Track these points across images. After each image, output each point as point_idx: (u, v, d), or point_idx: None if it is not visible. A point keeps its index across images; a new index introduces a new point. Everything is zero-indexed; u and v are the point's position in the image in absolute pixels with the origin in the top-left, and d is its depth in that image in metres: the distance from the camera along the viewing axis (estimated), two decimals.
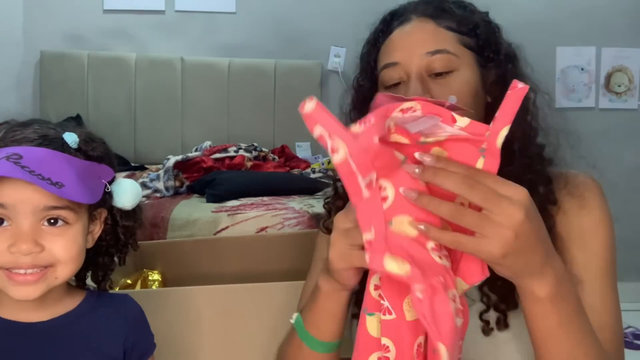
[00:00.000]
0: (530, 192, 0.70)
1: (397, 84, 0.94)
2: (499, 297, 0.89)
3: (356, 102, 1.02)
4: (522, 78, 0.91)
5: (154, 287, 1.65)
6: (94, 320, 0.89)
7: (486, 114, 0.94)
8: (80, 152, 0.84)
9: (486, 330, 0.90)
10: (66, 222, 0.82)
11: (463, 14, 0.96)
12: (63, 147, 0.82)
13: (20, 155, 0.77)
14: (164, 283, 1.71)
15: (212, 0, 3.25)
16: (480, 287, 0.90)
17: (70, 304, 0.89)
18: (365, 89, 1.00)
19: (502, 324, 0.89)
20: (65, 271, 0.83)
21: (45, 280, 0.81)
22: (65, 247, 0.82)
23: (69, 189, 0.77)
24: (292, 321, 0.90)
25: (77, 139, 0.84)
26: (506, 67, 0.94)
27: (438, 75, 0.92)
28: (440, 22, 0.94)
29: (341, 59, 3.26)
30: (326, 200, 1.09)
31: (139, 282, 1.64)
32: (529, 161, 0.92)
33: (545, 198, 0.90)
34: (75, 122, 3.02)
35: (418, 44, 0.93)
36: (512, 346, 0.89)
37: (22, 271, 0.79)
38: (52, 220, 0.81)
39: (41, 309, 0.85)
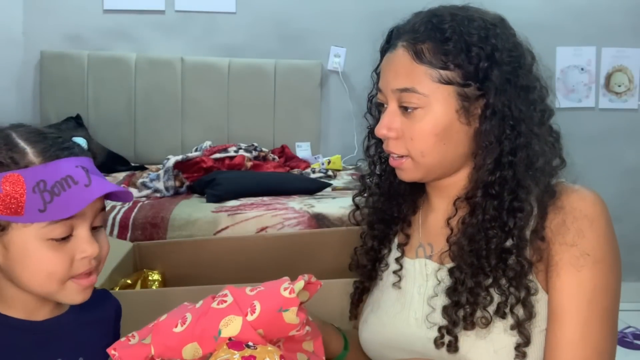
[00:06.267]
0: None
1: (382, 104, 0.99)
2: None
3: (370, 108, 1.07)
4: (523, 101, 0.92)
5: (154, 287, 1.65)
6: (86, 314, 0.91)
7: (473, 141, 0.94)
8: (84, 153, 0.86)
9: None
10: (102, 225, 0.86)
11: (447, 46, 0.91)
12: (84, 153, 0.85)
13: (87, 169, 0.79)
14: (164, 283, 1.71)
15: (212, 0, 3.25)
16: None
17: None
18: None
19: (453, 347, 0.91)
20: (103, 266, 0.87)
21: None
22: (107, 244, 0.86)
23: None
24: None
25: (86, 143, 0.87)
26: (500, 93, 0.91)
27: (406, 109, 0.94)
28: (418, 56, 0.92)
29: (341, 59, 3.26)
30: (356, 195, 1.12)
31: (139, 282, 1.64)
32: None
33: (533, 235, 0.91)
34: (75, 122, 3.03)
35: (392, 78, 0.95)
36: None
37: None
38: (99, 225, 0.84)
39: (43, 307, 0.87)
